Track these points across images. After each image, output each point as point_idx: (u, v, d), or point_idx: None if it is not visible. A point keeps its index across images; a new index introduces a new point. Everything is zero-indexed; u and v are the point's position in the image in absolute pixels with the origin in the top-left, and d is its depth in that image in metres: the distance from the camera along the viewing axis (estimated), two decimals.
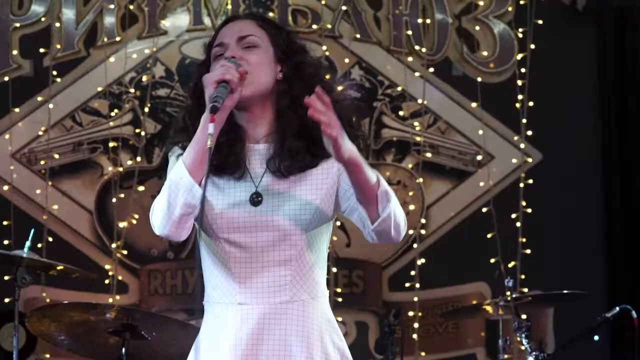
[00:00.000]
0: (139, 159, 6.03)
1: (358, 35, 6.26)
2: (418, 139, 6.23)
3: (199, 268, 2.64)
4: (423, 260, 6.09)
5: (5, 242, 5.79)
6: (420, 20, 6.28)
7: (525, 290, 5.81)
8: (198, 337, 2.62)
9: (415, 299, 6.06)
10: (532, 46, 6.28)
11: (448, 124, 6.29)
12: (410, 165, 6.24)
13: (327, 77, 2.75)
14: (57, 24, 6.08)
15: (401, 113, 6.26)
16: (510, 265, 6.07)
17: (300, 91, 2.57)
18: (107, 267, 5.92)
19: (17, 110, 6.00)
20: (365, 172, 2.45)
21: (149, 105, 6.06)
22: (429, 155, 6.24)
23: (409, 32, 6.28)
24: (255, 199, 2.56)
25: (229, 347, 2.53)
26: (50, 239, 5.88)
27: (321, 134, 2.42)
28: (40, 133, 6.01)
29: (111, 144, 6.03)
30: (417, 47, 6.27)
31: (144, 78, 6.10)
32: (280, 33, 2.68)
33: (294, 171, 2.59)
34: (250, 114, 2.62)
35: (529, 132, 6.24)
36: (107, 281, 5.88)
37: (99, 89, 6.07)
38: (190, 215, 2.51)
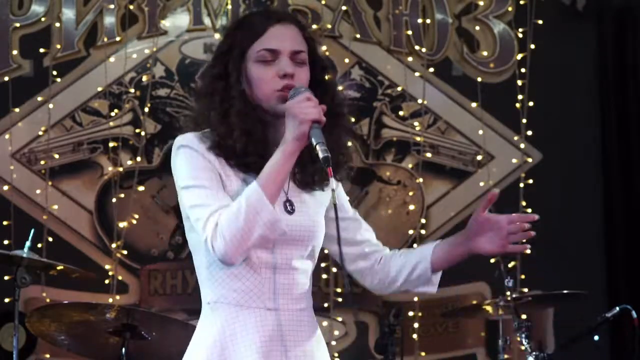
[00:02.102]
0: (139, 159, 6.03)
1: (358, 35, 6.26)
2: (418, 139, 6.23)
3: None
4: None
5: (5, 242, 5.79)
6: (420, 20, 6.28)
7: (525, 290, 5.81)
8: (204, 339, 2.57)
9: (415, 299, 6.05)
10: (532, 46, 6.28)
11: (448, 124, 6.29)
12: (410, 165, 6.23)
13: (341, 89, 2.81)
14: (57, 24, 6.08)
15: (401, 113, 6.26)
16: (510, 265, 6.06)
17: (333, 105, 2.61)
18: (107, 267, 5.92)
19: (17, 110, 6.00)
20: None
21: (149, 105, 6.06)
22: (429, 155, 6.24)
23: (409, 32, 6.28)
24: (289, 208, 2.58)
25: (258, 350, 2.53)
26: (50, 239, 5.87)
27: (344, 160, 2.63)
28: (40, 133, 6.01)
29: (111, 144, 6.03)
30: (417, 47, 6.27)
31: (144, 78, 6.10)
32: (315, 47, 2.67)
33: (315, 183, 2.63)
34: (282, 123, 2.56)
35: (529, 132, 6.24)
36: (107, 281, 5.88)
37: (99, 89, 6.07)
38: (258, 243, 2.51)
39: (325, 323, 5.76)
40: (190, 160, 2.59)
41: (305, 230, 2.58)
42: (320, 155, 2.42)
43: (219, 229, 2.46)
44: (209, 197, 2.52)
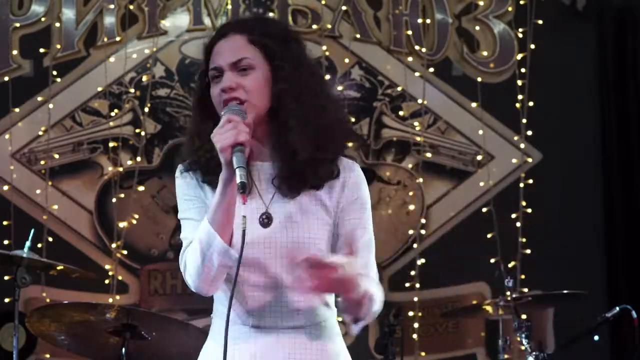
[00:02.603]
0: (139, 159, 6.03)
1: (358, 35, 6.26)
2: (418, 139, 6.23)
3: None
4: (423, 260, 6.09)
5: (5, 242, 5.79)
6: (420, 20, 6.28)
7: (525, 290, 5.81)
8: (206, 352, 2.61)
9: (415, 299, 6.06)
10: (532, 46, 6.28)
11: (448, 124, 6.29)
12: (410, 165, 6.23)
13: (326, 77, 2.73)
14: (57, 24, 6.08)
15: (401, 113, 6.26)
16: (510, 265, 6.07)
17: (301, 103, 2.54)
18: (107, 267, 5.92)
19: (17, 110, 6.00)
20: (364, 307, 2.49)
21: (149, 105, 6.06)
22: (429, 155, 6.24)
23: (409, 32, 6.28)
24: (264, 220, 2.54)
25: None
26: (50, 239, 5.87)
27: (325, 156, 2.52)
28: (40, 133, 6.01)
29: (111, 144, 6.03)
30: (417, 47, 6.27)
31: (144, 78, 6.10)
32: (272, 41, 2.58)
33: (300, 191, 2.55)
34: (252, 135, 2.51)
35: (529, 132, 6.24)
36: (107, 281, 5.88)
37: (99, 89, 6.07)
38: (225, 272, 2.50)
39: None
40: (179, 191, 2.66)
41: (290, 243, 2.52)
42: (237, 180, 2.39)
43: (187, 267, 2.57)
44: (189, 229, 2.59)
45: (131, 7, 6.12)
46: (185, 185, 2.64)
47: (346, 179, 2.59)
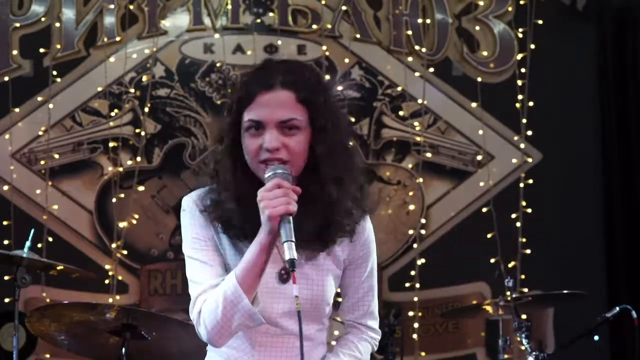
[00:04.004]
0: (139, 159, 6.02)
1: (358, 35, 6.26)
2: (418, 139, 6.23)
3: None
4: (423, 260, 6.09)
5: (5, 242, 5.79)
6: (420, 20, 6.28)
7: (525, 290, 5.82)
8: None
9: (415, 299, 6.06)
10: (532, 46, 6.28)
11: (448, 124, 6.29)
12: (410, 165, 6.24)
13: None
14: (57, 24, 6.08)
15: (401, 113, 6.26)
16: (510, 265, 6.07)
17: (336, 159, 2.52)
18: (107, 267, 5.92)
19: (17, 110, 6.00)
20: None
21: (149, 105, 6.06)
22: (429, 155, 6.25)
23: (409, 32, 6.29)
24: (284, 276, 2.53)
25: None
26: (50, 239, 5.88)
27: (339, 216, 2.51)
28: (40, 133, 6.01)
29: (111, 144, 6.03)
30: (417, 47, 6.27)
31: (144, 78, 6.10)
32: (318, 101, 2.51)
33: (316, 250, 2.56)
34: None
35: (529, 132, 6.24)
36: (107, 281, 5.88)
37: (99, 89, 6.07)
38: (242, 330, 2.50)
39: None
40: (190, 227, 2.57)
41: (303, 299, 2.50)
42: (286, 257, 2.34)
43: (202, 317, 2.49)
44: (201, 273, 2.53)
45: (131, 7, 6.12)
46: (196, 224, 2.56)
47: (359, 233, 2.61)
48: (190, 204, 2.56)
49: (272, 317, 2.53)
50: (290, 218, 2.37)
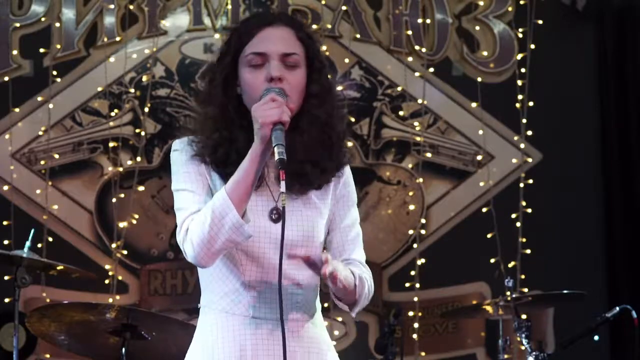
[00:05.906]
0: (139, 159, 6.03)
1: (358, 35, 6.27)
2: (418, 139, 6.23)
3: None
4: (423, 260, 6.09)
5: (5, 242, 5.79)
6: (420, 20, 6.28)
7: (525, 290, 5.82)
8: (198, 343, 2.58)
9: (415, 299, 6.06)
10: (532, 46, 6.28)
11: (448, 124, 6.29)
12: (410, 165, 6.24)
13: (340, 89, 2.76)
14: (57, 24, 6.08)
15: (401, 113, 6.26)
16: (510, 265, 6.07)
17: (319, 111, 2.56)
18: (107, 267, 5.92)
19: (17, 110, 6.00)
20: (352, 291, 2.54)
21: (149, 105, 6.06)
22: (429, 155, 6.25)
23: (409, 32, 6.29)
24: (274, 216, 2.53)
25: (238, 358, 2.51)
26: (50, 239, 5.88)
27: (332, 165, 2.55)
28: (40, 133, 6.02)
29: (111, 144, 6.03)
30: (417, 47, 6.27)
31: (144, 78, 6.10)
32: (313, 45, 2.59)
33: (307, 191, 2.57)
34: None
35: (529, 132, 6.24)
36: (107, 281, 5.88)
37: (99, 89, 6.07)
38: (229, 248, 2.48)
39: (325, 323, 5.76)
40: (179, 164, 2.60)
41: (294, 238, 2.52)
42: (276, 157, 2.37)
43: (189, 233, 2.51)
44: (189, 200, 2.55)
45: (131, 7, 6.12)
46: (187, 161, 2.59)
47: (339, 177, 2.64)
48: (183, 144, 2.62)
49: (266, 258, 2.51)
50: (282, 127, 2.40)
